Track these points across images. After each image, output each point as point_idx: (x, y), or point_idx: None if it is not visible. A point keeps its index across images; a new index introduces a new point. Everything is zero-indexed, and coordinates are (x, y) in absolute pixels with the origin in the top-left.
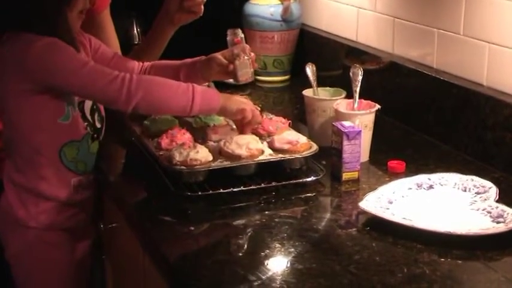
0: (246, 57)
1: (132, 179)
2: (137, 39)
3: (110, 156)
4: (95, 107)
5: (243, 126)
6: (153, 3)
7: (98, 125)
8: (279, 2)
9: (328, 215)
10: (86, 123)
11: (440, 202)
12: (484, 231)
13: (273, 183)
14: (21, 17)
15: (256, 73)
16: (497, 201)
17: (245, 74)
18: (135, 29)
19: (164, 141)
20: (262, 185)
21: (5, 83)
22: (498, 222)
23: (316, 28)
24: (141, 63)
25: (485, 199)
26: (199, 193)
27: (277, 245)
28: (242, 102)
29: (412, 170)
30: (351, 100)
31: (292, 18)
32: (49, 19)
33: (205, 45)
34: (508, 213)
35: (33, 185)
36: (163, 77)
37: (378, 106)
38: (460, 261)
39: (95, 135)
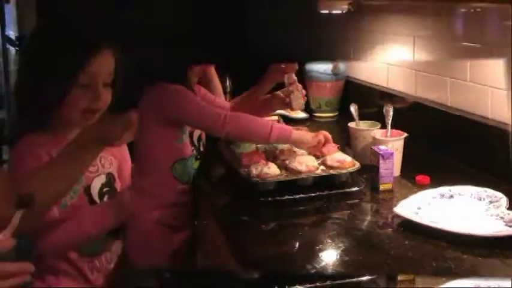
0: (298, 92)
1: (221, 188)
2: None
3: (205, 171)
4: (201, 136)
5: (321, 148)
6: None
7: (201, 149)
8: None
9: (369, 218)
10: (193, 147)
11: (460, 209)
12: (498, 233)
13: (326, 192)
14: (165, 76)
15: (313, 111)
16: (508, 209)
17: (298, 104)
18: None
19: (245, 160)
20: (318, 194)
21: (145, 115)
22: (510, 226)
23: (358, 78)
24: (229, 103)
25: (498, 207)
26: (269, 199)
27: (329, 241)
28: (311, 133)
29: (436, 183)
30: (385, 130)
31: (340, 72)
32: (181, 78)
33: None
34: None
35: (151, 188)
36: (243, 111)
37: (405, 134)
38: (480, 258)
39: (198, 156)
